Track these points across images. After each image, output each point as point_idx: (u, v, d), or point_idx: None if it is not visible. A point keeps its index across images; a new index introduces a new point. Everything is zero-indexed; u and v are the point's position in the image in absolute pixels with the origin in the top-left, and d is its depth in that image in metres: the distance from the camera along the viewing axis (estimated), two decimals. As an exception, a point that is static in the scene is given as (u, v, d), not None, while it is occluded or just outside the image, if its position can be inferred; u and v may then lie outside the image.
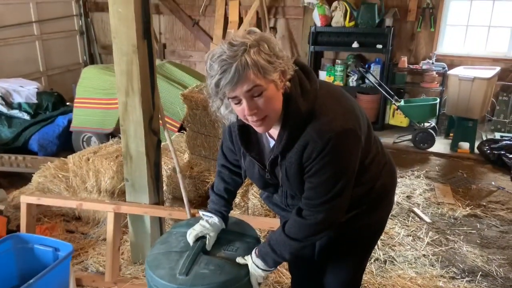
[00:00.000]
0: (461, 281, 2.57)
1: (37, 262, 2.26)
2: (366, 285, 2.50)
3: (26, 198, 2.55)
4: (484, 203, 3.54)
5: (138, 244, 2.65)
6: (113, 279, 2.46)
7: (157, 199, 2.56)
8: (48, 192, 3.09)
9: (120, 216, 2.52)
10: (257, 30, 1.24)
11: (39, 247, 2.30)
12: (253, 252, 1.49)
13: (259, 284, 1.52)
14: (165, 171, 2.95)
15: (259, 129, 1.30)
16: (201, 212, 1.67)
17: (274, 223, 2.31)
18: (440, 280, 2.57)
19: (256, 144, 1.44)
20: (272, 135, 1.39)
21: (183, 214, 2.34)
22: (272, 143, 1.40)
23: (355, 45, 5.24)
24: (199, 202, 2.91)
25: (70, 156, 3.04)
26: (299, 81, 1.28)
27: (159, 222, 2.61)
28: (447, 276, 2.62)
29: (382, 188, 1.50)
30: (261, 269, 1.46)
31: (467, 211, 3.40)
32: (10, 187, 3.59)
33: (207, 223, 1.61)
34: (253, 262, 1.47)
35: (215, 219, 1.62)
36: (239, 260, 1.51)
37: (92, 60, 6.73)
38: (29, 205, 2.55)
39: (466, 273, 2.65)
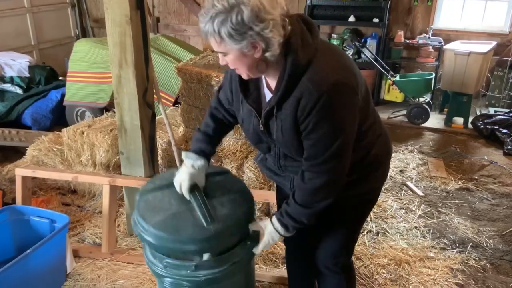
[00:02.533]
0: (452, 251, 2.63)
1: (33, 233, 2.28)
2: (358, 255, 2.55)
3: (21, 170, 2.55)
4: (476, 177, 3.59)
5: (134, 217, 2.66)
6: (110, 250, 2.49)
7: (153, 172, 2.57)
8: (43, 166, 3.09)
9: (116, 189, 2.53)
10: None
11: (35, 219, 2.31)
12: (274, 219, 1.50)
13: None
14: (160, 145, 2.95)
15: (242, 76, 1.35)
16: (184, 154, 1.60)
17: (269, 195, 2.34)
18: (431, 251, 2.62)
19: (254, 93, 1.43)
20: (271, 87, 1.38)
21: (178, 186, 2.35)
22: (269, 96, 1.39)
23: (351, 19, 5.18)
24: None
25: (64, 130, 3.03)
26: (301, 34, 1.26)
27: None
28: (438, 247, 2.67)
29: (375, 158, 1.50)
30: (280, 234, 1.50)
31: (459, 184, 3.45)
32: (4, 161, 3.59)
33: (192, 168, 1.56)
34: (274, 229, 1.49)
35: (200, 162, 1.57)
36: (252, 226, 1.55)
37: (84, 34, 6.61)
38: (24, 178, 2.55)
39: (457, 244, 2.70)
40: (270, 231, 1.51)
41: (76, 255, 2.51)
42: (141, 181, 2.44)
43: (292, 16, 1.27)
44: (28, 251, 1.98)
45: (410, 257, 2.56)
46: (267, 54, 1.23)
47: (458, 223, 2.93)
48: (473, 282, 2.37)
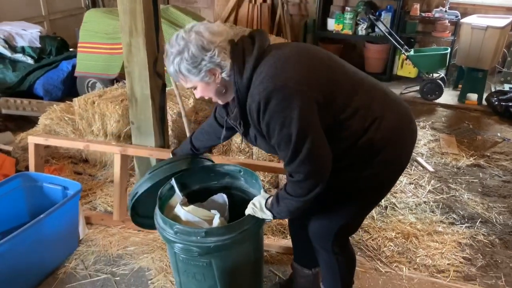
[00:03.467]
0: (460, 226, 2.62)
1: (46, 200, 2.33)
2: (366, 228, 2.56)
3: (33, 138, 2.58)
4: (488, 154, 3.55)
5: (144, 186, 2.69)
6: (121, 218, 2.53)
7: (163, 143, 2.58)
8: (55, 135, 3.12)
9: (127, 158, 2.56)
10: (192, 24, 1.42)
11: (48, 186, 2.35)
12: (269, 200, 1.58)
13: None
14: (170, 116, 2.95)
15: (218, 102, 1.53)
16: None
17: (278, 168, 2.34)
18: (439, 226, 2.62)
19: (234, 109, 1.50)
20: None
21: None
22: None
23: (366, -9, 5.06)
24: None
25: (75, 99, 3.04)
26: (242, 51, 1.38)
27: (165, 164, 2.65)
28: (446, 221, 2.67)
29: (369, 145, 1.42)
30: (266, 207, 1.58)
31: (470, 161, 3.42)
32: (17, 130, 3.63)
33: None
34: (264, 201, 1.59)
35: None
36: (248, 211, 1.62)
37: (94, 4, 6.54)
38: (37, 146, 2.58)
39: (466, 219, 2.70)
40: (258, 200, 1.60)
41: (88, 222, 2.55)
42: (152, 151, 2.46)
43: (242, 36, 1.44)
44: (41, 216, 2.02)
45: (418, 231, 2.56)
46: (223, 75, 1.40)
47: (468, 198, 2.92)
48: (481, 257, 2.38)
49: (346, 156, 1.44)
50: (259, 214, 1.58)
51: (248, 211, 1.61)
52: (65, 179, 2.35)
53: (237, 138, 2.78)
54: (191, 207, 1.69)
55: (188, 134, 2.42)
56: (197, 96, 1.49)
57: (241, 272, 1.74)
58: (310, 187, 1.40)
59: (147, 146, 2.51)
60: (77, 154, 3.20)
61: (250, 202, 1.62)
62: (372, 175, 1.48)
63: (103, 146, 2.59)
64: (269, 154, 2.77)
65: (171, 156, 1.98)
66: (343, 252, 1.71)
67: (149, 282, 2.16)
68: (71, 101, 3.14)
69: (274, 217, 1.57)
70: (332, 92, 1.37)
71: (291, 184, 1.44)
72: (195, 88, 1.46)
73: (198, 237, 1.55)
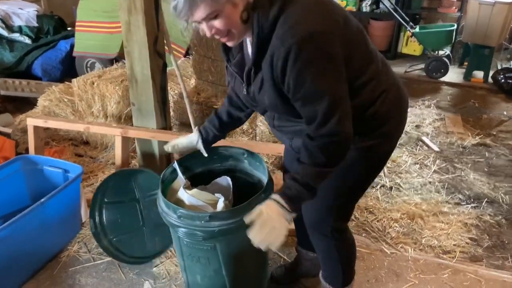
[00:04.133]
0: (466, 207, 2.60)
1: (47, 183, 2.30)
2: (371, 209, 2.54)
3: (33, 120, 2.53)
4: (494, 133, 3.50)
5: (146, 167, 2.66)
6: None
7: (165, 124, 2.53)
8: (55, 116, 3.07)
9: (128, 141, 2.51)
10: None
11: (49, 169, 2.32)
12: (275, 195, 1.32)
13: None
14: (171, 97, 2.89)
15: (229, 44, 1.28)
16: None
17: (281, 148, 2.29)
18: (445, 206, 2.60)
19: (238, 57, 1.37)
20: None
21: (191, 138, 2.31)
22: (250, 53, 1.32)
23: (370, -35, 4.92)
24: (207, 127, 2.88)
25: (74, 80, 2.98)
26: None
27: (167, 146, 2.61)
28: (452, 202, 2.64)
29: (374, 117, 1.35)
30: (285, 207, 1.30)
31: (476, 140, 3.37)
32: (16, 112, 3.58)
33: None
34: (278, 205, 1.30)
35: (193, 137, 1.70)
36: (248, 219, 1.33)
37: (92, -18, 6.39)
38: (36, 128, 2.54)
39: (472, 200, 2.67)
40: (270, 208, 1.30)
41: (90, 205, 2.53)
42: (154, 132, 2.41)
43: None
44: (43, 199, 2.00)
45: (423, 211, 2.54)
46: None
47: (474, 178, 2.88)
48: (487, 237, 2.35)
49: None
50: (276, 223, 1.28)
51: (256, 233, 1.29)
52: (66, 162, 2.32)
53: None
54: (195, 190, 1.65)
55: (190, 116, 2.37)
56: (211, 32, 1.20)
57: (247, 255, 1.72)
58: (341, 151, 1.27)
59: (148, 128, 2.47)
60: (77, 136, 3.16)
61: (252, 218, 1.31)
62: (371, 147, 1.40)
63: (103, 128, 2.54)
64: (272, 135, 2.72)
65: (195, 132, 1.71)
66: (342, 238, 1.60)
67: (153, 265, 2.14)
68: (70, 81, 3.08)
69: (296, 210, 1.32)
70: (350, 52, 1.24)
71: (312, 150, 1.26)
72: (214, 16, 1.16)
73: (202, 222, 1.52)
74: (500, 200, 2.66)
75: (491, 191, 2.75)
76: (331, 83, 1.19)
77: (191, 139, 1.71)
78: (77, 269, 2.15)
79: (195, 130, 1.72)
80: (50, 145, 3.11)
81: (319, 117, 1.21)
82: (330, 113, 1.20)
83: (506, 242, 2.32)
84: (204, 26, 1.20)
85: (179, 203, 1.68)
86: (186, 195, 1.64)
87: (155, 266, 2.13)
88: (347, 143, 1.26)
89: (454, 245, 2.29)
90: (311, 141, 1.26)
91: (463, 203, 2.63)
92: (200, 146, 1.71)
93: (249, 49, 1.33)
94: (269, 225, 1.28)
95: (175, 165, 1.79)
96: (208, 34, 1.21)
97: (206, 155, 1.74)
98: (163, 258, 2.17)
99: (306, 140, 1.29)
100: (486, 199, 2.66)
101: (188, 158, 1.87)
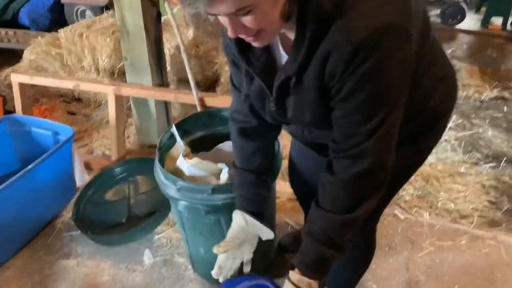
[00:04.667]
0: (484, 166, 2.44)
1: (36, 146, 2.14)
2: (384, 170, 2.39)
3: (17, 77, 2.33)
4: (513, 85, 3.29)
5: (143, 128, 2.49)
6: (121, 159, 2.35)
7: (161, 81, 2.33)
8: (43, 71, 2.85)
9: (122, 99, 2.32)
10: None
11: (37, 131, 2.15)
12: (291, 273, 1.07)
13: None
14: (168, 50, 2.66)
15: (254, 44, 0.91)
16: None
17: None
18: (462, 166, 2.44)
19: (262, 57, 0.96)
20: (287, 43, 0.95)
21: (191, 97, 2.11)
22: (285, 57, 0.95)
23: None
24: (207, 84, 2.67)
25: (61, 30, 2.73)
26: None
27: (165, 106, 2.42)
28: (469, 162, 2.49)
29: (433, 111, 1.07)
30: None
31: (494, 93, 3.16)
32: (4, 65, 3.34)
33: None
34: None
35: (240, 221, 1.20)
36: None
37: None
38: (22, 85, 2.34)
39: (490, 159, 2.51)
40: None
41: (88, 167, 2.38)
42: (149, 90, 2.21)
43: None
44: (30, 166, 1.85)
45: (439, 172, 2.39)
46: None
47: (493, 135, 2.71)
48: (507, 200, 2.22)
49: (406, 128, 1.00)
50: None
51: None
52: (55, 123, 2.14)
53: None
54: (196, 159, 1.49)
55: (188, 71, 2.14)
56: (233, 32, 0.84)
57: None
58: (364, 192, 0.97)
59: (143, 85, 2.27)
60: (69, 93, 2.96)
61: None
62: (423, 149, 1.15)
63: (94, 86, 2.34)
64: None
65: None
66: (369, 242, 1.38)
67: (155, 234, 2.02)
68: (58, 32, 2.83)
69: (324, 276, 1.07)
70: (420, 35, 0.90)
71: (336, 190, 0.97)
72: (250, 10, 0.79)
73: (205, 195, 1.37)
74: (520, 159, 2.50)
75: (510, 149, 2.59)
76: (393, 97, 0.89)
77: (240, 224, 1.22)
78: (73, 237, 2.03)
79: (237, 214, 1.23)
80: (40, 102, 2.91)
81: (359, 133, 0.90)
82: (376, 132, 0.89)
83: (527, 205, 2.19)
84: (226, 22, 0.83)
85: (178, 172, 1.52)
86: (186, 165, 1.47)
87: (157, 235, 2.01)
88: (384, 183, 0.97)
89: (471, 208, 2.15)
90: (335, 177, 0.96)
91: (481, 163, 2.48)
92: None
93: (282, 50, 0.98)
94: None
95: (173, 129, 1.62)
96: (231, 33, 0.84)
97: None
98: (165, 227, 2.05)
99: (327, 177, 0.98)
100: (505, 158, 2.50)
101: (187, 120, 1.70)
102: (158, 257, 1.92)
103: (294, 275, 1.05)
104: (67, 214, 2.13)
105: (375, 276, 1.81)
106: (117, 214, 2.08)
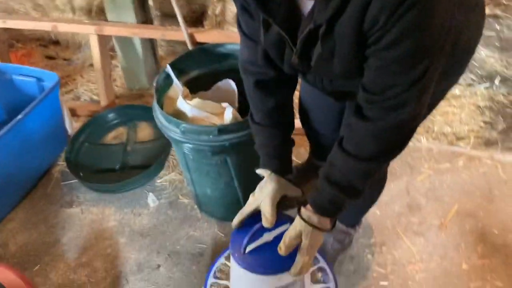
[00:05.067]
0: (479, 87, 2.44)
1: (21, 95, 2.03)
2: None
3: (-12, 22, 2.15)
4: (505, 1, 3.20)
5: (130, 70, 2.38)
6: (110, 106, 2.27)
7: (145, 17, 2.19)
8: (14, 14, 2.65)
9: (105, 39, 2.18)
10: None
11: (20, 78, 2.04)
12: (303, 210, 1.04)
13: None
14: (147, -19, 2.47)
15: None
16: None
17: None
18: (456, 88, 2.43)
19: (283, 3, 0.85)
20: None
21: (179, 34, 1.99)
22: (309, 3, 0.83)
23: None
24: (193, 19, 2.51)
25: (28, -33, 2.50)
26: None
27: (151, 44, 2.30)
28: (464, 83, 2.47)
29: (466, 45, 0.99)
30: (314, 225, 1.02)
31: (486, 11, 3.08)
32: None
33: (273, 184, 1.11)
34: (305, 222, 1.02)
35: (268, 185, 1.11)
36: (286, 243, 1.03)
37: None
38: (-6, 30, 2.17)
39: (484, 79, 2.50)
40: (305, 230, 1.02)
41: (74, 114, 2.30)
42: (134, 28, 2.08)
43: None
44: (19, 116, 1.77)
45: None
46: None
47: (486, 55, 2.68)
48: (502, 119, 2.24)
49: None
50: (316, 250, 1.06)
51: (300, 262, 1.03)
52: (37, 69, 2.03)
53: (231, 6, 2.36)
54: (197, 100, 1.43)
55: (174, 4, 2.00)
56: None
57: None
58: (407, 135, 0.93)
59: (126, 23, 2.13)
60: (45, 35, 2.77)
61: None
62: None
63: (74, 26, 2.19)
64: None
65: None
66: (385, 174, 1.37)
67: (157, 178, 2.00)
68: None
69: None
70: None
71: (363, 136, 0.91)
72: None
73: (211, 136, 1.33)
74: (514, 78, 2.50)
75: (504, 68, 2.57)
76: (441, 41, 0.80)
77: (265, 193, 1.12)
78: (72, 185, 2.01)
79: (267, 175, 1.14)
80: (15, 47, 2.74)
81: (396, 86, 0.83)
82: (415, 85, 0.82)
83: (522, 122, 2.23)
84: None
85: (179, 114, 1.47)
86: (188, 107, 1.42)
87: (159, 179, 2.00)
88: (413, 131, 0.93)
89: (467, 130, 2.18)
90: (366, 123, 0.90)
91: (475, 84, 2.47)
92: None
93: None
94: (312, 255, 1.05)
95: (168, 69, 1.54)
96: None
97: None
98: (166, 171, 2.02)
99: (357, 122, 0.91)
100: (499, 78, 2.50)
101: (181, 59, 1.62)
102: (162, 199, 1.92)
103: (305, 212, 1.03)
104: (63, 163, 2.09)
105: (378, 202, 1.85)
106: (111, 159, 2.05)
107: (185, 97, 1.46)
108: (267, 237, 1.06)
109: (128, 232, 1.80)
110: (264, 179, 1.13)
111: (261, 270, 1.04)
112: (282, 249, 1.02)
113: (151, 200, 1.91)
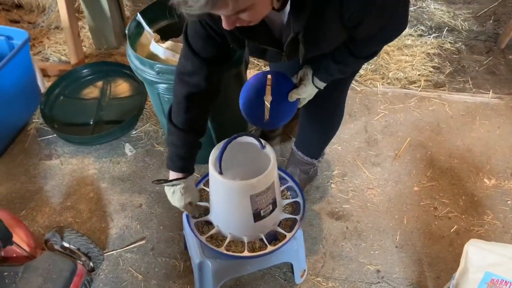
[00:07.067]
0: (428, 37, 2.64)
1: (-10, 54, 2.06)
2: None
3: (-51, -17, 2.14)
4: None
5: (98, 29, 2.43)
6: (80, 64, 2.32)
7: (109, -26, 2.23)
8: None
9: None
10: None
11: (-12, 38, 2.05)
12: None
13: None
14: None
15: (250, 24, 0.91)
16: (165, 187, 1.27)
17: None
18: (408, 39, 2.62)
19: (261, 27, 0.98)
20: None
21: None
22: (281, 14, 1.00)
23: None
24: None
25: None
26: None
27: (117, 3, 2.35)
28: (415, 34, 2.66)
29: None
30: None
31: (435, -32, 3.27)
32: None
33: (179, 193, 1.23)
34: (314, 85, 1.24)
35: (188, 182, 1.24)
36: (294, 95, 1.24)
37: None
38: (-43, -8, 2.16)
39: (433, 30, 2.70)
40: (311, 88, 1.25)
41: (45, 74, 2.34)
42: (100, -16, 2.13)
43: None
44: (-7, 72, 1.81)
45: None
46: None
47: (435, 8, 2.87)
48: (449, 64, 2.45)
49: None
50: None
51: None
52: (7, 27, 2.06)
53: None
54: (169, 43, 1.53)
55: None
56: (229, 25, 0.86)
57: (231, 99, 1.69)
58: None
59: (92, -20, 2.17)
60: (7, -1, 2.76)
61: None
62: None
63: (39, -15, 2.21)
64: None
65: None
66: (343, 107, 1.57)
67: (132, 130, 2.09)
68: None
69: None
70: None
71: (375, 43, 1.13)
72: (243, 10, 0.81)
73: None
74: (460, 27, 2.71)
75: (451, 19, 2.78)
76: None
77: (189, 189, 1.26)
78: (49, 140, 2.08)
79: (178, 187, 1.24)
80: (-25, 14, 2.71)
81: (385, 29, 1.06)
82: (397, 13, 1.03)
83: (466, 66, 2.44)
84: (223, 18, 0.85)
85: (152, 58, 1.57)
86: (161, 49, 1.52)
87: (134, 130, 2.09)
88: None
89: (419, 75, 2.38)
90: (372, 40, 1.10)
91: (425, 34, 2.67)
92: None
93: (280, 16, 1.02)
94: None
95: (139, 17, 1.63)
96: (227, 26, 0.86)
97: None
98: (141, 123, 2.12)
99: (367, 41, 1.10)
100: (446, 28, 2.70)
101: (150, 8, 1.70)
102: (139, 148, 2.02)
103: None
104: (38, 120, 2.14)
105: (339, 140, 2.04)
106: (86, 114, 2.12)
107: (157, 42, 1.56)
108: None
109: (108, 178, 1.91)
110: (176, 187, 1.23)
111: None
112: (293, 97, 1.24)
113: (128, 149, 2.02)
